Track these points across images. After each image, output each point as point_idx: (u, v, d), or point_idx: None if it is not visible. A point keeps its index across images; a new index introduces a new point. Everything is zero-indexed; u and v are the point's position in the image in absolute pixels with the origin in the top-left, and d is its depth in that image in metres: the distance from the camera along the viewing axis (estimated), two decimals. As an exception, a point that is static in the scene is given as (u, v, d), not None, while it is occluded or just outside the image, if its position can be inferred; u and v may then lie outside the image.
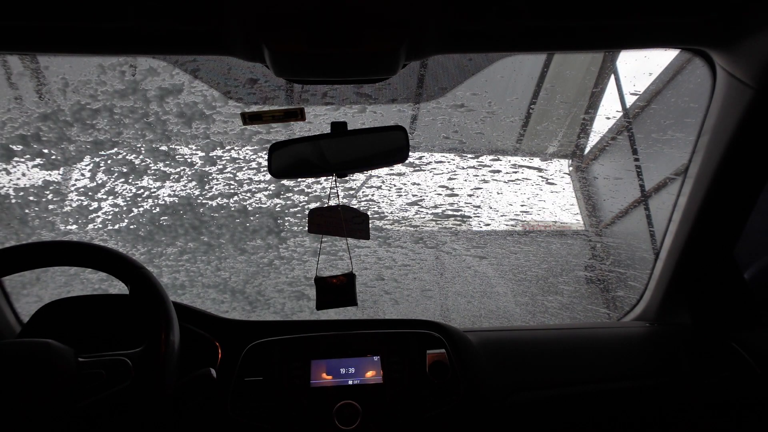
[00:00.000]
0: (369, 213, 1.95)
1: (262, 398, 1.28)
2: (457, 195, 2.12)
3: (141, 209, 1.92)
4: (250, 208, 1.98)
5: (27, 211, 1.83)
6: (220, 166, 1.91)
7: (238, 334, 1.40)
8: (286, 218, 2.00)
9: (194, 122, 1.80)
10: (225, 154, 1.91)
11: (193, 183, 1.92)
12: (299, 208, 2.02)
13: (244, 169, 1.94)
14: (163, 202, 1.93)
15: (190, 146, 1.88)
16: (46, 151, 1.76)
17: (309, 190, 1.98)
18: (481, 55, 1.72)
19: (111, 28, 0.97)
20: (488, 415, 1.30)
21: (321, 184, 1.97)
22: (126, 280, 1.10)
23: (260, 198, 1.98)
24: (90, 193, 1.89)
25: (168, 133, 1.83)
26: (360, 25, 0.92)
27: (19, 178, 1.77)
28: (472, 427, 1.29)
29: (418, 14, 0.93)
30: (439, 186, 2.12)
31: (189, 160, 1.90)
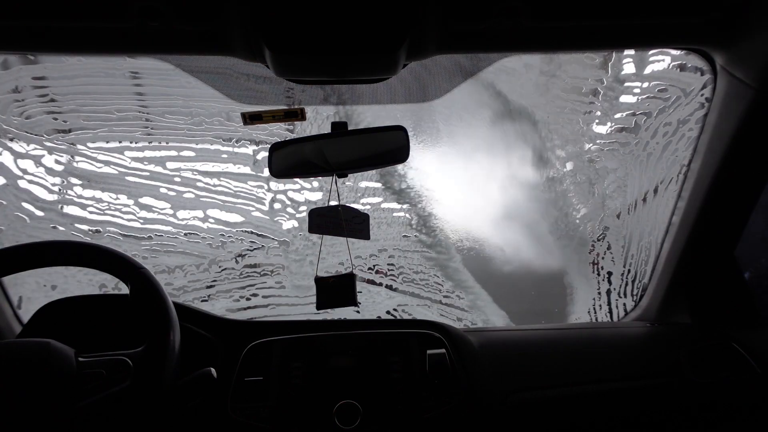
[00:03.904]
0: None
1: (262, 398, 1.28)
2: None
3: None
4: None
5: (27, 210, 1.83)
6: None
7: (238, 334, 1.40)
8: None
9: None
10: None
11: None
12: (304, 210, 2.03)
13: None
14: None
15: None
16: (45, 151, 1.76)
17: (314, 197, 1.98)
18: (481, 56, 1.71)
19: (111, 28, 0.98)
20: (488, 415, 1.30)
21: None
22: (126, 280, 1.10)
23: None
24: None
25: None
26: (360, 25, 0.92)
27: (20, 178, 1.78)
28: (472, 427, 1.29)
29: (417, 14, 0.93)
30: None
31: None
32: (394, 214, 2.06)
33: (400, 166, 2.01)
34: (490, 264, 2.14)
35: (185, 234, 1.94)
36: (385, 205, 2.04)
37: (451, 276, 2.12)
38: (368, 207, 2.01)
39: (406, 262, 2.10)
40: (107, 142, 1.80)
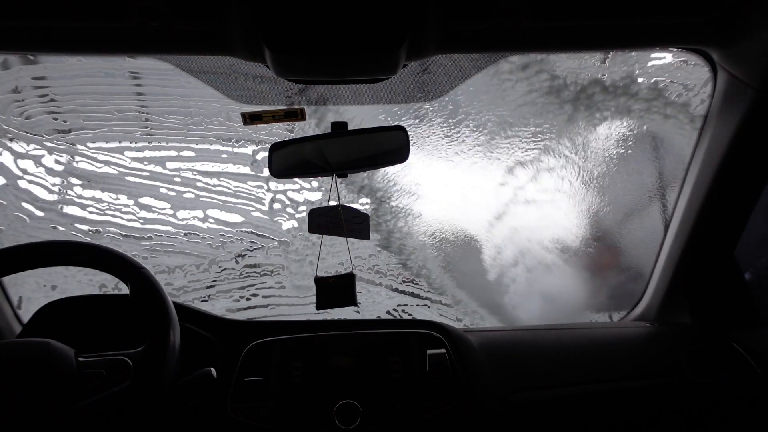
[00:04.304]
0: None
1: (262, 398, 1.28)
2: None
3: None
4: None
5: (27, 210, 1.83)
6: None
7: (238, 334, 1.40)
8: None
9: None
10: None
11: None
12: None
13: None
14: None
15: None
16: (45, 151, 1.77)
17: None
18: (481, 56, 1.71)
19: (111, 28, 0.98)
20: (488, 416, 1.30)
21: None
22: (126, 280, 1.10)
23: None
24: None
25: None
26: (360, 25, 0.92)
27: (20, 179, 1.78)
28: (472, 427, 1.29)
29: (418, 14, 0.93)
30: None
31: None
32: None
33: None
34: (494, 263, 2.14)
35: (185, 234, 1.94)
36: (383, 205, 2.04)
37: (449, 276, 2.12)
38: (368, 207, 2.01)
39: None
40: (107, 142, 1.80)
